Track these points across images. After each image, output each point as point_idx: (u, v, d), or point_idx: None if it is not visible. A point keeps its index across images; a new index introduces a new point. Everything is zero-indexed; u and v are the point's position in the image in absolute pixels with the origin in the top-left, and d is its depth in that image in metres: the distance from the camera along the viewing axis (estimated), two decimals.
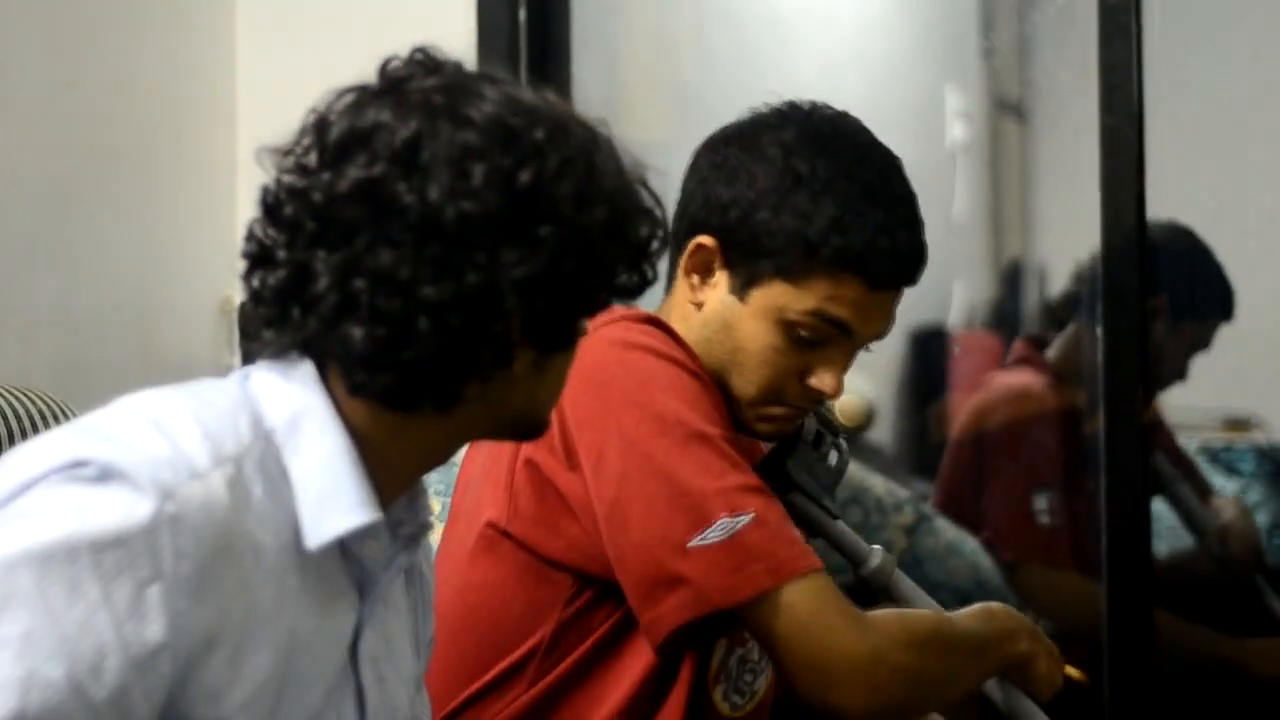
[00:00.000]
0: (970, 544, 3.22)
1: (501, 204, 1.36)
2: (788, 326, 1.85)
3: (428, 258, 1.35)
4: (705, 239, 1.89)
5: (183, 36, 3.12)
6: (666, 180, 1.54)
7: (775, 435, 1.92)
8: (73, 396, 2.07)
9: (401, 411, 1.40)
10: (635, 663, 1.87)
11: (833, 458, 1.96)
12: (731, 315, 1.88)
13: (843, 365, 1.88)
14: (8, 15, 2.70)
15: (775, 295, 1.85)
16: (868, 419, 3.45)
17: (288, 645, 1.37)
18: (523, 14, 3.08)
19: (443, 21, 3.02)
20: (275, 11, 3.20)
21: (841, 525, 1.95)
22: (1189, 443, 3.30)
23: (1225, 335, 3.14)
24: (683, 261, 1.91)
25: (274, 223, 1.40)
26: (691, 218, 1.91)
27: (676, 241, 1.92)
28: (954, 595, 3.14)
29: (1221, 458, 3.30)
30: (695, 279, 1.90)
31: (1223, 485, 3.28)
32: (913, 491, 3.33)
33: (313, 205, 1.37)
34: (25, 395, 2.03)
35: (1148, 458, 2.88)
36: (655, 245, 1.47)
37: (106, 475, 1.27)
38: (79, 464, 1.27)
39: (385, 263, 1.35)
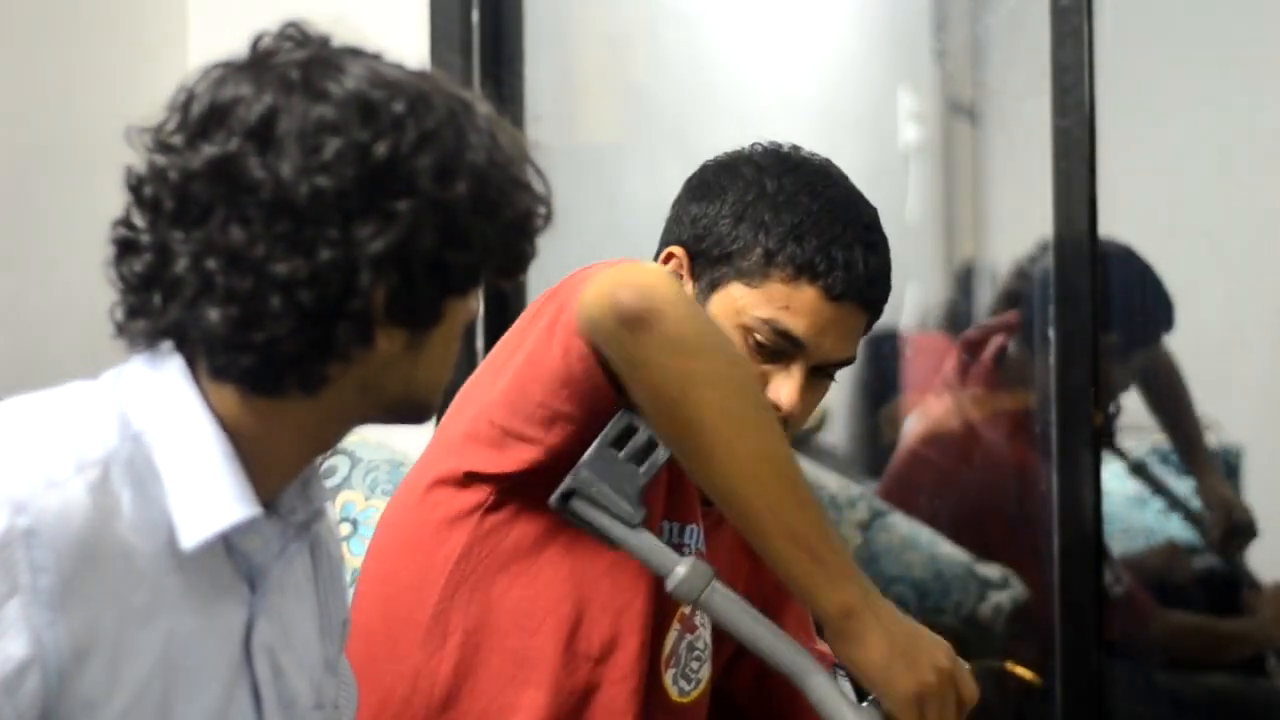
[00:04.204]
0: (926, 535, 3.21)
1: (355, 178, 1.33)
2: (745, 331, 1.90)
3: (279, 235, 1.32)
4: (675, 249, 1.96)
5: (136, 35, 3.10)
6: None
7: None
8: None
9: (268, 396, 1.37)
10: (557, 613, 1.86)
11: (647, 461, 1.70)
12: None
13: (799, 382, 1.91)
14: None
15: (734, 297, 1.91)
16: (821, 421, 3.45)
17: (169, 648, 1.35)
18: (475, 15, 3.07)
19: (395, 23, 3.00)
20: (227, 13, 3.18)
21: (644, 536, 1.70)
22: (1140, 445, 3.31)
23: (1175, 338, 3.15)
24: None
25: (138, 204, 1.38)
26: (664, 235, 1.99)
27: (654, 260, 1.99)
28: (912, 588, 3.15)
29: (1172, 459, 3.32)
30: None
31: (1174, 486, 3.30)
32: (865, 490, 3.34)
33: (170, 184, 1.35)
34: None
35: (1099, 459, 2.89)
36: (536, 222, 1.43)
37: None
38: None
39: (237, 241, 1.32)
